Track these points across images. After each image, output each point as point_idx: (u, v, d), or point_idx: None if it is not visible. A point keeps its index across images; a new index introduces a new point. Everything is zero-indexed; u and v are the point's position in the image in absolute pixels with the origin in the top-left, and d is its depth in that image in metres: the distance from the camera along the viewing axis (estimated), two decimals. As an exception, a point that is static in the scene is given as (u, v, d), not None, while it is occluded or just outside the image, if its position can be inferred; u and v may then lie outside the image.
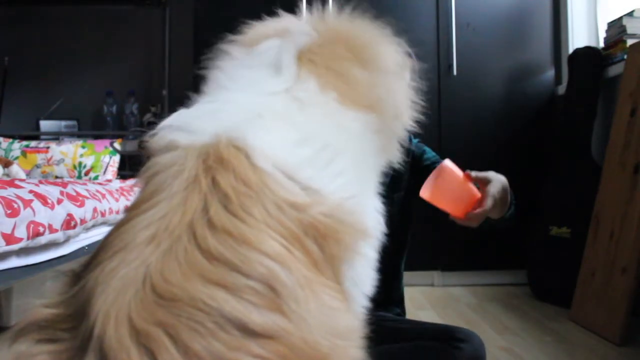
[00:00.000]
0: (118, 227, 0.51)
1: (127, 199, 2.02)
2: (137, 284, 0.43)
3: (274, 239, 0.49)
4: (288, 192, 0.53)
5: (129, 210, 0.54)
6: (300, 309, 0.47)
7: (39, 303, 0.48)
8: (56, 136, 2.82)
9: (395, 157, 0.75)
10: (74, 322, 0.44)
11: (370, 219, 0.62)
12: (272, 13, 2.72)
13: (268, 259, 0.47)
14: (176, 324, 0.41)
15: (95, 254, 0.49)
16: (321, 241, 0.53)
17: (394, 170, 1.25)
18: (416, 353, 1.04)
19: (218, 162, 0.52)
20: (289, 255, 0.49)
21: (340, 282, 0.55)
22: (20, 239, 1.18)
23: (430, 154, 1.32)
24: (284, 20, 0.78)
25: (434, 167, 1.16)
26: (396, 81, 0.73)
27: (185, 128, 0.61)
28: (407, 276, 1.52)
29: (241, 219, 0.48)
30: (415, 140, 1.33)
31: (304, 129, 0.60)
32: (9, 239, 1.14)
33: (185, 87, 2.61)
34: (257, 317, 0.44)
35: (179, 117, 0.65)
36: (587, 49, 2.18)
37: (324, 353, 0.45)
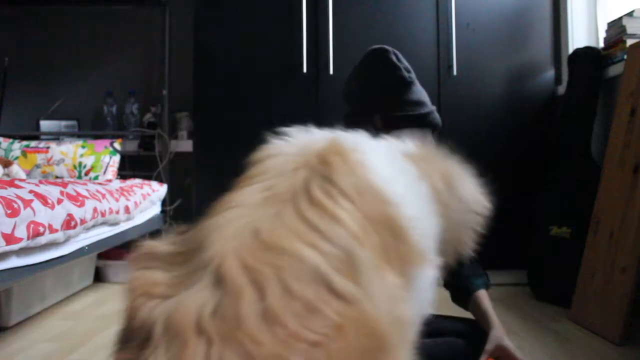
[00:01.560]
0: (231, 192, 0.63)
1: (127, 199, 2.02)
2: (250, 234, 0.52)
3: (357, 222, 0.57)
4: (380, 191, 0.63)
5: (241, 180, 0.66)
6: (371, 286, 0.54)
7: (151, 242, 0.58)
8: (56, 136, 2.82)
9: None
10: (187, 257, 0.53)
11: (431, 246, 0.70)
12: (271, 13, 2.73)
13: (349, 234, 0.55)
14: (281, 268, 0.50)
15: (209, 210, 0.61)
16: (398, 242, 0.61)
17: None
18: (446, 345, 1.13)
19: (330, 156, 0.64)
20: (367, 239, 0.57)
21: (407, 281, 0.61)
22: (20, 239, 1.19)
23: None
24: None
25: None
26: (468, 213, 0.82)
27: (298, 139, 0.73)
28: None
29: (334, 200, 0.58)
30: None
31: (397, 164, 0.73)
32: (9, 239, 1.14)
33: (185, 87, 2.64)
34: (339, 281, 0.51)
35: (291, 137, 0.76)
36: (587, 49, 2.18)
37: (385, 331, 0.51)
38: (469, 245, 0.80)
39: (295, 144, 0.69)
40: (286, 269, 0.50)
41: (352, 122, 1.18)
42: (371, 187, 0.63)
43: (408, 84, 1.14)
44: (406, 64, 1.18)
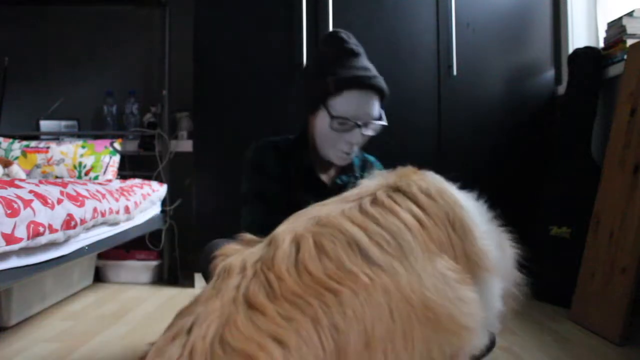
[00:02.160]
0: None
1: (127, 199, 2.02)
2: (311, 219, 0.69)
3: (413, 215, 0.68)
4: (453, 195, 0.75)
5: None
6: (417, 266, 0.62)
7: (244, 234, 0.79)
8: (56, 136, 2.82)
9: None
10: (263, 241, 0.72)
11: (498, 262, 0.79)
12: (271, 13, 2.73)
13: (403, 225, 0.66)
14: (321, 233, 0.64)
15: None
16: (466, 242, 0.71)
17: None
18: None
19: (408, 171, 0.81)
20: (420, 230, 0.67)
21: (473, 280, 0.68)
22: (20, 239, 1.19)
23: None
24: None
25: None
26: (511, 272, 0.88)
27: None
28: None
29: (395, 201, 0.71)
30: (380, 165, 1.46)
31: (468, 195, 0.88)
32: (9, 239, 1.14)
33: (185, 87, 2.63)
34: (379, 253, 0.61)
35: None
36: (587, 49, 2.18)
37: (430, 303, 0.58)
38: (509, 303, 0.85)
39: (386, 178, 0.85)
40: (326, 235, 0.63)
41: (307, 91, 1.30)
42: (444, 191, 0.75)
43: (356, 54, 1.28)
44: (356, 41, 1.32)
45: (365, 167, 1.43)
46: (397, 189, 0.74)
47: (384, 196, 0.71)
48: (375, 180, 0.80)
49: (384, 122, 1.29)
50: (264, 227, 1.24)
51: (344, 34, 1.30)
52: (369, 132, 1.28)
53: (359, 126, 1.24)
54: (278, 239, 0.65)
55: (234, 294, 0.59)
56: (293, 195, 1.32)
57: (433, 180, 0.78)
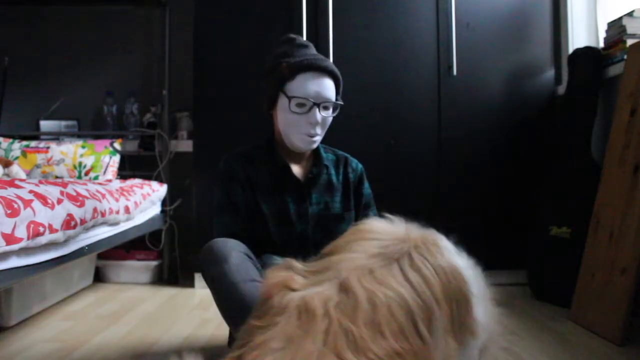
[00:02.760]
0: (349, 238, 0.87)
1: (127, 199, 2.02)
2: (367, 270, 0.75)
3: (439, 291, 0.76)
4: (461, 272, 0.83)
5: (356, 233, 0.89)
6: (438, 342, 0.70)
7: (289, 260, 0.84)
8: (56, 136, 2.82)
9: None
10: (316, 272, 0.78)
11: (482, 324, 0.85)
12: (271, 13, 2.73)
13: (434, 298, 0.74)
14: (390, 297, 0.71)
15: (331, 250, 0.86)
16: (465, 314, 0.78)
17: (346, 187, 1.46)
18: None
19: (428, 240, 0.86)
20: (443, 306, 0.76)
21: (462, 346, 0.77)
22: (20, 239, 1.19)
23: (367, 188, 1.51)
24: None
25: (365, 208, 1.48)
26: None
27: (399, 223, 0.94)
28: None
29: (428, 270, 0.79)
30: (361, 167, 1.52)
31: (465, 258, 0.93)
32: (9, 239, 1.14)
33: (185, 87, 2.63)
34: (422, 324, 0.69)
35: None
36: (587, 49, 2.18)
37: None
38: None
39: (399, 225, 0.91)
40: (393, 298, 0.70)
41: (266, 89, 1.38)
42: (457, 271, 0.82)
43: (306, 46, 1.38)
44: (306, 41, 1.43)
45: (339, 163, 1.48)
46: (424, 256, 0.81)
47: (419, 262, 0.79)
48: (402, 235, 0.85)
49: (340, 102, 1.37)
50: (234, 236, 1.27)
51: (294, 35, 1.41)
52: (328, 113, 1.35)
53: (316, 105, 1.30)
54: (353, 288, 0.71)
55: (322, 339, 0.65)
56: (275, 197, 1.37)
57: (448, 255, 0.85)
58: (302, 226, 1.37)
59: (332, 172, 1.45)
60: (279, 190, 1.38)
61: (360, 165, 1.51)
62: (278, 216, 1.36)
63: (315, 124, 1.32)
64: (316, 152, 1.46)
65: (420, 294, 0.74)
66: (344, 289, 0.71)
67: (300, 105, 1.31)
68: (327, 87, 1.32)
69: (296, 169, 1.42)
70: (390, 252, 0.80)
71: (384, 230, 0.88)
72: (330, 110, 1.36)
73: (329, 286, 0.72)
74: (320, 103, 1.31)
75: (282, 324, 0.66)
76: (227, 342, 1.47)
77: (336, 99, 1.36)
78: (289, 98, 1.30)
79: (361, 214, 1.45)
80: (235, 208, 1.35)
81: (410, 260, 0.79)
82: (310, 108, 1.30)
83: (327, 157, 1.47)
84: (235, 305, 1.11)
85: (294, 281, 0.76)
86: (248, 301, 1.08)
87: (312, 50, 1.39)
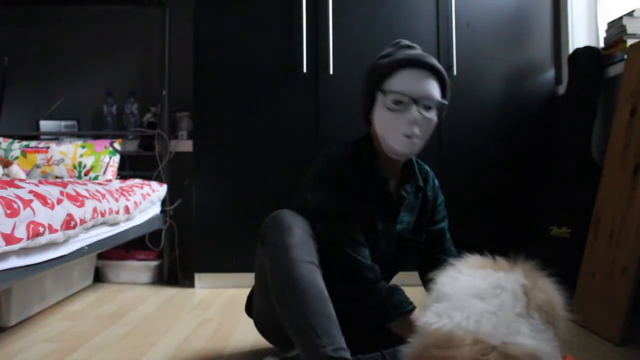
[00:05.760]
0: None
1: (127, 199, 2.02)
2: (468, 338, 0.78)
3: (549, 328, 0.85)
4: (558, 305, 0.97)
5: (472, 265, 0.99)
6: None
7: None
8: (56, 136, 2.82)
9: None
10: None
11: None
12: (271, 13, 2.72)
13: (552, 339, 0.84)
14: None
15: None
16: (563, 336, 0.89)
17: (423, 206, 1.36)
18: None
19: (534, 284, 0.98)
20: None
21: None
22: (20, 239, 1.18)
23: (443, 207, 1.41)
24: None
25: (440, 229, 1.38)
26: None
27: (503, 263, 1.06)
28: (409, 276, 1.52)
29: (541, 310, 0.90)
30: (437, 183, 1.42)
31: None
32: (9, 239, 1.14)
33: (185, 87, 2.63)
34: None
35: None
36: (587, 49, 2.18)
37: None
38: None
39: (504, 263, 1.00)
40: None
41: (364, 92, 1.29)
42: (558, 304, 0.95)
43: (411, 46, 1.28)
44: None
45: (425, 178, 1.38)
46: (539, 306, 0.89)
47: (535, 311, 0.87)
48: (509, 274, 0.95)
49: (445, 101, 1.24)
50: (345, 243, 1.19)
51: (401, 39, 1.31)
52: (431, 115, 1.22)
53: (415, 102, 1.18)
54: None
55: None
56: (366, 209, 1.27)
57: (552, 291, 0.97)
58: (386, 245, 1.29)
59: (421, 186, 1.35)
60: (374, 202, 1.28)
61: (437, 181, 1.41)
62: (367, 229, 1.25)
63: (414, 122, 1.18)
64: (411, 166, 1.34)
65: (545, 339, 0.83)
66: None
67: (397, 102, 1.19)
68: (429, 85, 1.20)
69: (391, 183, 1.32)
70: (505, 298, 0.89)
71: (489, 266, 0.98)
72: (434, 112, 1.22)
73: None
74: (418, 100, 1.18)
75: None
76: (245, 306, 1.45)
77: (441, 99, 1.23)
78: (385, 93, 1.20)
79: (435, 227, 1.37)
80: (345, 214, 1.22)
81: (528, 302, 0.90)
82: (409, 105, 1.19)
83: (421, 172, 1.37)
84: (287, 281, 1.08)
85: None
86: (301, 282, 1.06)
87: (418, 50, 1.27)
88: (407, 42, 1.29)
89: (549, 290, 0.97)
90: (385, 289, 1.19)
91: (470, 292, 0.87)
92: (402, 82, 1.19)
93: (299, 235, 1.12)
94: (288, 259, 1.09)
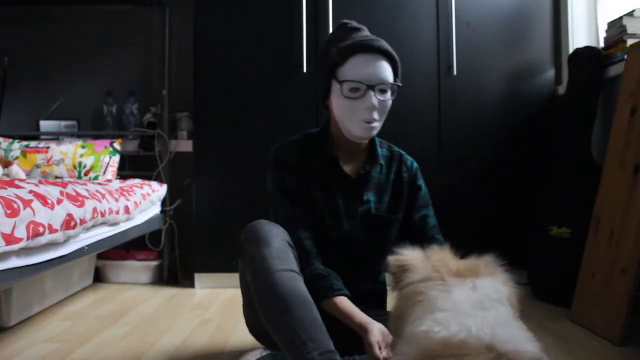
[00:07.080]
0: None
1: (127, 199, 2.02)
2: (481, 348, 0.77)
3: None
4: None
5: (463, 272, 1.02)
6: None
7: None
8: (56, 136, 2.82)
9: None
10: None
11: None
12: (271, 13, 2.72)
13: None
14: None
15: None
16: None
17: (397, 187, 1.38)
18: None
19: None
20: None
21: None
22: (20, 239, 1.19)
23: (424, 187, 1.42)
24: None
25: (420, 208, 1.38)
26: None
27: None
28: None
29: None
30: (416, 166, 1.43)
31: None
32: (9, 239, 1.14)
33: (185, 87, 2.63)
34: None
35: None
36: (587, 49, 2.18)
37: None
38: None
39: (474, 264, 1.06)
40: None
41: (319, 78, 1.32)
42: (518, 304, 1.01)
43: (358, 29, 1.29)
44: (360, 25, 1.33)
45: (392, 160, 1.39)
46: (517, 309, 0.98)
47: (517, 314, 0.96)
48: (496, 284, 0.98)
49: (398, 83, 1.26)
50: (294, 223, 1.23)
51: (347, 20, 1.33)
52: (386, 97, 1.24)
53: (371, 88, 1.21)
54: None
55: None
56: (325, 190, 1.30)
57: (515, 290, 1.02)
58: (350, 224, 1.31)
59: (384, 169, 1.37)
60: (328, 183, 1.31)
61: (415, 164, 1.42)
62: (327, 210, 1.30)
63: (372, 108, 1.22)
64: (372, 146, 1.37)
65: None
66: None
67: (353, 89, 1.22)
68: (382, 69, 1.22)
69: (349, 164, 1.34)
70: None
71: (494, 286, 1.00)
72: (389, 93, 1.25)
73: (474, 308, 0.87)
74: (374, 85, 1.21)
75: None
76: (245, 320, 1.42)
77: (394, 81, 1.26)
78: (341, 83, 1.22)
79: (416, 215, 1.37)
80: (290, 196, 1.28)
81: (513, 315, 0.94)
82: (365, 92, 1.21)
83: (382, 152, 1.38)
84: (268, 292, 1.08)
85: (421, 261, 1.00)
86: (281, 290, 1.06)
87: (365, 32, 1.29)
88: (353, 23, 1.30)
89: (514, 291, 1.02)
90: (315, 273, 1.20)
91: (470, 303, 0.87)
92: (355, 69, 1.21)
93: (276, 244, 1.14)
94: (267, 270, 1.09)
